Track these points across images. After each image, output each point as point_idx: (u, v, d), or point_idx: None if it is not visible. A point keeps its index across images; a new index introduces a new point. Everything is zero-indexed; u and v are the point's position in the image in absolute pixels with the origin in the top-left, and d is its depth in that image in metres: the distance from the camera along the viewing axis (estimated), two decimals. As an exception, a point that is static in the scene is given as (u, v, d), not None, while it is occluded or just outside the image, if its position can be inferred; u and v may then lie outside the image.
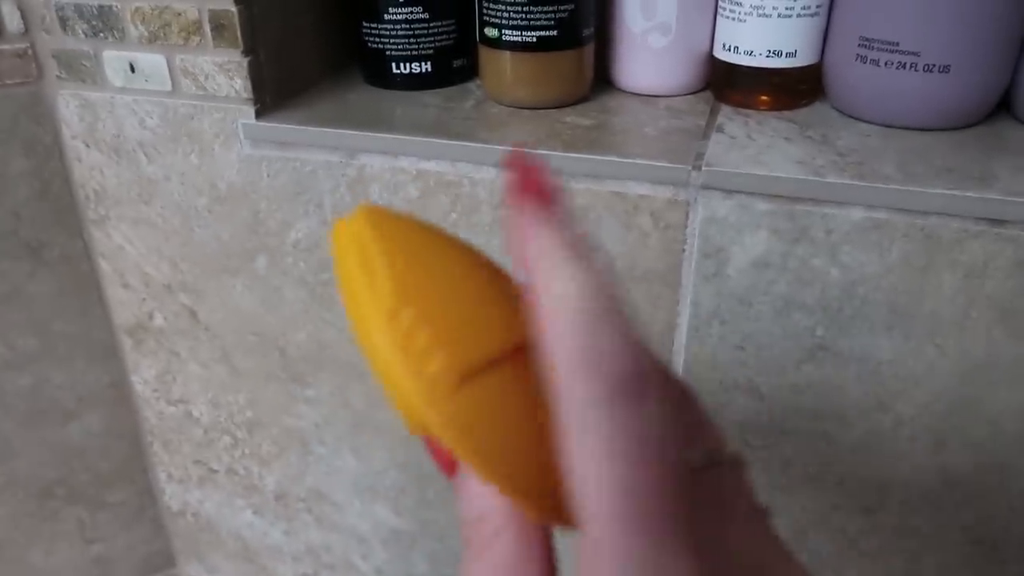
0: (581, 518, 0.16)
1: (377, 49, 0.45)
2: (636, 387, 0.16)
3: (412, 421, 0.18)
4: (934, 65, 0.36)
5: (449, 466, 0.20)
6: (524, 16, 0.40)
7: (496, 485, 0.18)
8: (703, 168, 0.36)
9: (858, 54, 0.38)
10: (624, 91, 0.46)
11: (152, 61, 0.42)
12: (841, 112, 0.41)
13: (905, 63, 0.37)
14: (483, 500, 0.19)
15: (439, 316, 0.18)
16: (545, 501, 0.18)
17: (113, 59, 0.43)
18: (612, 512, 0.15)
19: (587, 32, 0.42)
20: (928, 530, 0.41)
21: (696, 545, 0.16)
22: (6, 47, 0.44)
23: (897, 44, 0.37)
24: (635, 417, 0.16)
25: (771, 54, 0.40)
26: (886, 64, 0.37)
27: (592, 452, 0.15)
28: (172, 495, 0.61)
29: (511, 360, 0.18)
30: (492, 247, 0.40)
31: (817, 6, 0.39)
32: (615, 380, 0.16)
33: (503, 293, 0.19)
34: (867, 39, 0.37)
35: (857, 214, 0.34)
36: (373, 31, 0.45)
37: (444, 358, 0.17)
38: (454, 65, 0.47)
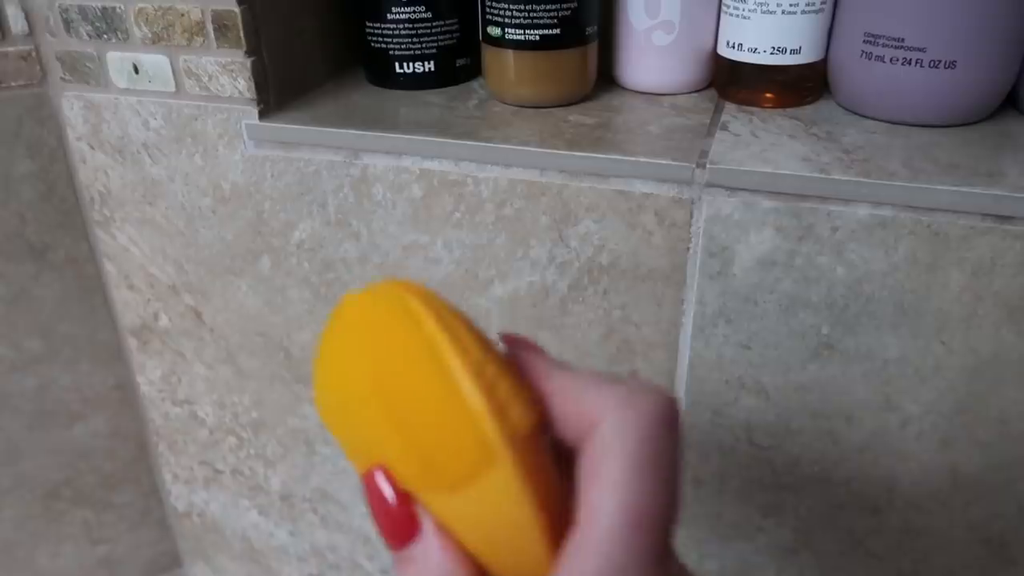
0: (588, 531, 0.18)
1: (380, 49, 0.45)
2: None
3: (468, 464, 0.19)
4: (940, 61, 0.36)
5: (402, 535, 0.20)
6: (527, 14, 0.40)
7: (531, 530, 0.19)
8: (707, 166, 0.35)
9: (863, 50, 0.38)
10: (627, 89, 0.46)
11: (156, 62, 0.42)
12: (846, 109, 0.41)
13: (911, 59, 0.36)
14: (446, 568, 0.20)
15: (506, 375, 0.20)
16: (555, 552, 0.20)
17: (117, 60, 0.43)
18: (622, 526, 0.17)
19: (590, 30, 0.42)
20: (936, 530, 0.41)
21: None
22: (10, 49, 0.44)
23: (903, 40, 0.36)
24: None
25: (775, 51, 0.40)
26: (891, 60, 0.37)
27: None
28: (178, 496, 0.61)
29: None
30: (496, 246, 0.40)
31: (821, 2, 0.39)
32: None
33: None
34: (872, 35, 0.37)
35: (863, 211, 0.34)
36: (376, 31, 0.45)
37: (521, 407, 0.19)
38: (457, 64, 0.47)
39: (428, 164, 0.40)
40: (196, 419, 0.56)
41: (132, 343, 0.54)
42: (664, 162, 0.36)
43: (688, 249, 0.38)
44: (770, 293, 0.37)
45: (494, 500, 0.19)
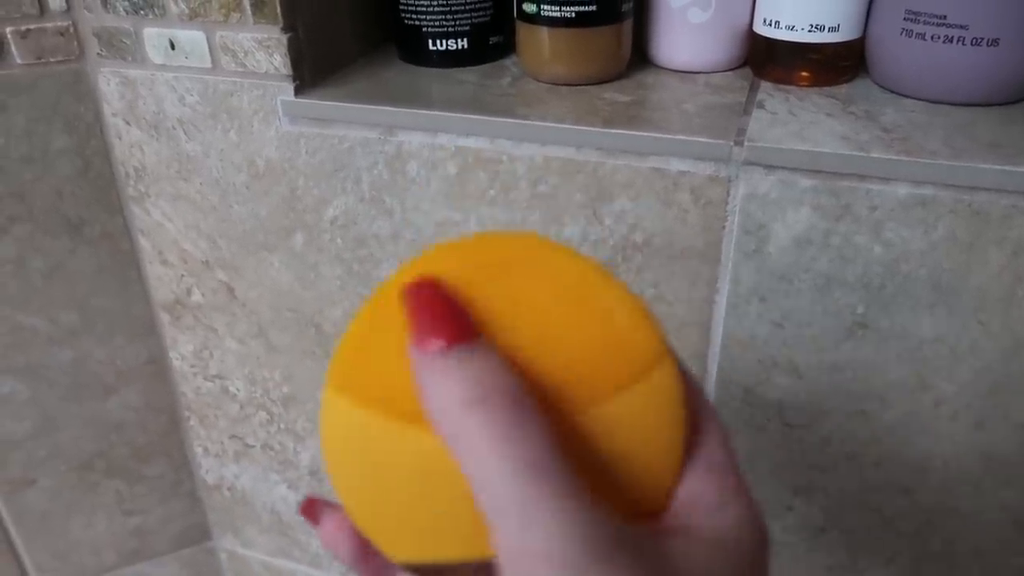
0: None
1: (414, 26, 0.45)
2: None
3: (636, 365, 0.20)
4: (982, 39, 0.36)
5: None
6: (563, -9, 0.40)
7: (678, 429, 0.21)
8: (745, 144, 0.35)
9: (904, 28, 0.37)
10: (662, 67, 0.45)
11: (192, 38, 0.42)
12: (884, 88, 0.41)
13: (952, 37, 0.36)
14: None
15: None
16: None
17: (153, 36, 0.43)
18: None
19: (626, 7, 0.42)
20: (966, 510, 0.41)
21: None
22: (48, 25, 0.44)
23: (944, 17, 0.36)
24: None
25: (813, 28, 0.39)
26: (932, 38, 0.37)
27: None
28: (208, 469, 0.62)
29: None
30: (530, 223, 0.41)
31: (862, -21, 0.38)
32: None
33: None
34: (913, 12, 0.37)
35: (902, 190, 0.34)
36: (410, 7, 0.45)
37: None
38: (490, 42, 0.47)
39: (463, 141, 0.40)
40: (227, 394, 0.57)
41: (165, 318, 0.55)
42: (701, 140, 0.36)
43: (724, 227, 0.38)
44: (805, 272, 0.37)
45: (657, 398, 0.20)
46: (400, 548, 0.21)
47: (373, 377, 0.20)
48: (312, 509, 0.23)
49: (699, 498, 0.20)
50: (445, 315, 0.19)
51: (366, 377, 0.20)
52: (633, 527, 0.18)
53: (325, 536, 0.22)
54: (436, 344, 0.18)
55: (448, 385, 0.18)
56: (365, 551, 0.22)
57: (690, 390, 0.21)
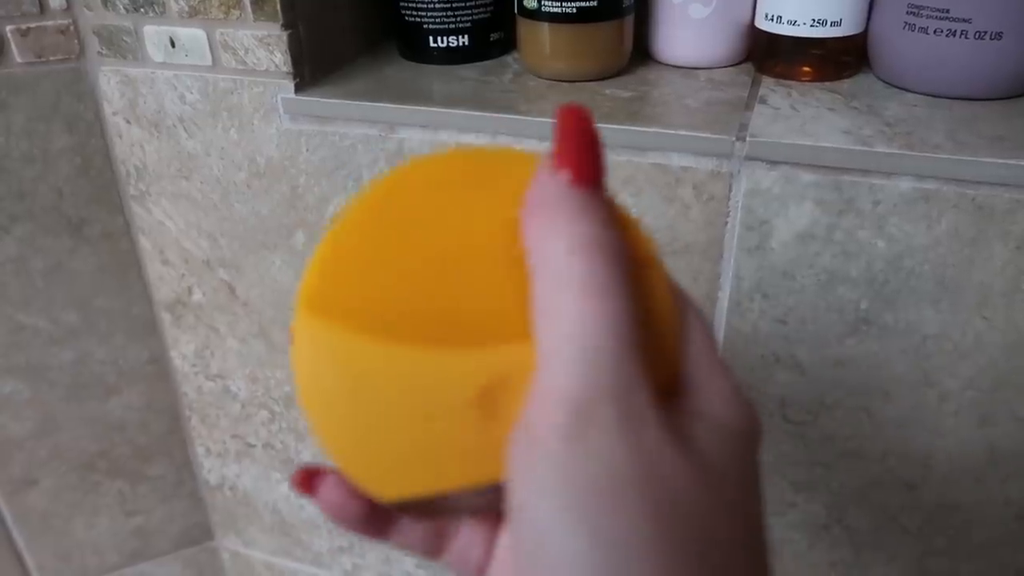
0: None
1: (414, 23, 0.45)
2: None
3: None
4: (985, 32, 0.35)
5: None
6: (564, -13, 0.40)
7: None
8: (748, 139, 0.35)
9: (906, 22, 0.37)
10: (663, 63, 0.45)
11: (192, 36, 0.42)
12: (886, 83, 0.40)
13: (955, 31, 0.36)
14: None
15: None
16: None
17: (154, 34, 0.43)
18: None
19: (627, 2, 0.41)
20: (971, 506, 0.41)
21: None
22: (49, 23, 0.44)
23: (947, 11, 0.36)
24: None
25: (816, 23, 0.39)
26: (935, 32, 0.36)
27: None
28: (210, 469, 0.62)
29: None
30: (532, 220, 0.40)
31: (864, -26, 0.38)
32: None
33: None
34: (916, 6, 0.37)
35: (905, 184, 0.34)
36: (411, 4, 0.45)
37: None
38: (491, 38, 0.46)
39: (465, 138, 0.40)
40: (229, 393, 0.57)
41: (166, 317, 0.55)
42: (703, 135, 0.36)
43: (726, 223, 0.37)
44: (808, 268, 0.37)
45: (654, 293, 0.19)
46: (387, 483, 0.20)
47: (351, 295, 0.19)
48: (306, 480, 0.22)
49: (684, 381, 0.20)
50: (591, 151, 0.18)
51: (344, 295, 0.19)
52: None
53: (325, 505, 0.22)
54: (567, 173, 0.18)
55: (562, 220, 0.17)
56: (368, 511, 0.22)
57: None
